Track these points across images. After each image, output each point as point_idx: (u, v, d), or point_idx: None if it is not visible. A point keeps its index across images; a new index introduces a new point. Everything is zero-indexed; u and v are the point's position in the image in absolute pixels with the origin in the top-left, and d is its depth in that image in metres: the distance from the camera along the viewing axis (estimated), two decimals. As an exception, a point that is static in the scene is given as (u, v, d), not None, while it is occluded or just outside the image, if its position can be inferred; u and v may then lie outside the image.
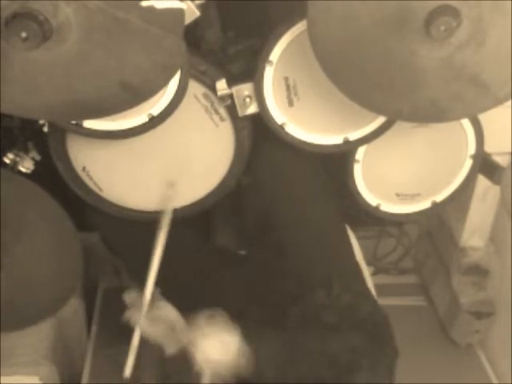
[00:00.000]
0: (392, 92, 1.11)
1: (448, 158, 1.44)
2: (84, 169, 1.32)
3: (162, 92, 1.18)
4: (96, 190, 1.35)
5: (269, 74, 1.24)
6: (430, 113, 1.14)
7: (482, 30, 1.01)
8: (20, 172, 1.28)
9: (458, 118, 1.31)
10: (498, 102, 1.10)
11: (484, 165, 1.45)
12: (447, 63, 1.04)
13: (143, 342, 1.20)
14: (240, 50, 1.30)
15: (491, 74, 1.06)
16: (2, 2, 0.90)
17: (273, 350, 1.14)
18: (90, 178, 1.33)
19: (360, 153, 1.38)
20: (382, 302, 1.36)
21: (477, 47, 1.02)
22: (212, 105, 1.27)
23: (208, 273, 1.40)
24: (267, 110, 1.27)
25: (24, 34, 0.90)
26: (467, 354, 1.81)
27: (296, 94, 1.27)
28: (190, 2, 1.04)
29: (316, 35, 1.05)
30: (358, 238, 1.52)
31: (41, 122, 1.24)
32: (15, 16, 0.90)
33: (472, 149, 1.43)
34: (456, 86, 1.08)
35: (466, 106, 1.12)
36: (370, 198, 1.44)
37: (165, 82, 1.12)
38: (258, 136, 1.33)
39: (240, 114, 1.28)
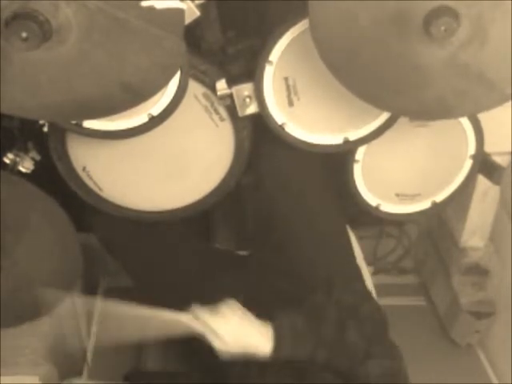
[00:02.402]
0: (398, 90, 1.11)
1: (448, 157, 1.44)
2: (84, 169, 1.32)
3: (161, 92, 1.18)
4: (96, 190, 1.35)
5: (269, 73, 1.24)
6: (437, 110, 1.14)
7: (483, 29, 1.01)
8: (20, 172, 1.28)
9: (464, 114, 1.32)
10: (506, 98, 1.10)
11: (484, 165, 1.45)
12: (451, 62, 1.04)
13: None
14: (240, 50, 1.30)
15: (496, 71, 1.06)
16: (2, 2, 0.90)
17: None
18: (90, 178, 1.33)
19: (360, 153, 1.38)
20: (382, 302, 1.36)
21: (479, 45, 1.02)
22: (212, 105, 1.27)
23: (208, 274, 1.40)
24: (267, 109, 1.27)
25: (24, 34, 0.90)
26: (467, 353, 1.81)
27: (296, 94, 1.27)
28: (190, 2, 1.05)
29: (319, 37, 1.05)
30: (358, 238, 1.53)
31: (41, 122, 1.24)
32: (15, 16, 0.90)
33: (472, 149, 1.43)
34: (462, 84, 1.08)
35: (473, 103, 1.12)
36: (370, 198, 1.44)
37: (165, 82, 1.12)
38: (258, 136, 1.33)
39: (240, 114, 1.28)
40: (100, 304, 1.24)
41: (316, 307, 1.21)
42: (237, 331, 1.12)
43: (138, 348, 1.59)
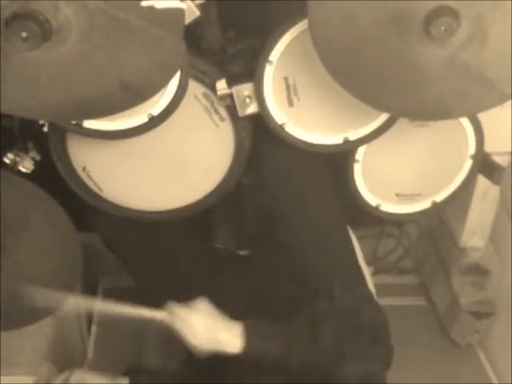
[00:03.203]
0: (397, 91, 1.11)
1: (448, 157, 1.44)
2: (84, 169, 1.32)
3: (161, 92, 1.18)
4: (96, 190, 1.35)
5: (269, 73, 1.24)
6: (437, 110, 1.14)
7: (483, 29, 1.01)
8: (20, 172, 1.28)
9: (464, 114, 1.32)
10: (506, 98, 1.10)
11: (484, 165, 1.45)
12: (451, 62, 1.04)
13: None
14: (240, 50, 1.30)
15: (496, 71, 1.06)
16: (2, 2, 0.90)
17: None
18: (90, 178, 1.33)
19: (360, 153, 1.38)
20: (382, 302, 1.36)
21: (479, 45, 1.02)
22: (212, 105, 1.27)
23: (208, 274, 1.40)
24: (267, 109, 1.27)
25: (24, 34, 0.90)
26: (467, 353, 1.81)
27: (296, 94, 1.27)
28: (190, 2, 1.05)
29: (318, 37, 1.05)
30: (358, 238, 1.52)
31: (41, 121, 1.24)
32: (15, 16, 0.90)
33: (472, 149, 1.43)
34: (461, 84, 1.08)
35: (473, 103, 1.12)
36: (370, 198, 1.44)
37: (165, 82, 1.12)
38: (259, 136, 1.33)
39: (240, 113, 1.28)
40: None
41: (316, 310, 1.21)
42: (209, 326, 1.15)
43: (138, 348, 1.60)
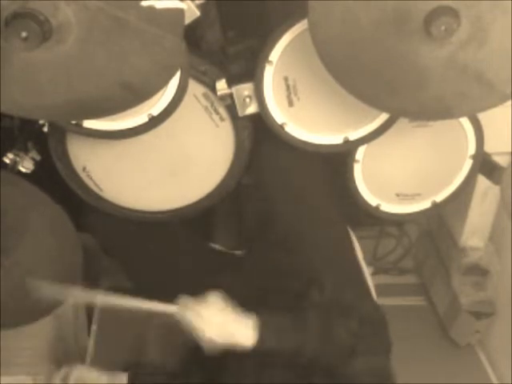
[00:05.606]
0: (397, 90, 1.11)
1: (448, 157, 1.44)
2: (84, 169, 1.32)
3: (161, 92, 1.18)
4: (96, 190, 1.35)
5: (269, 73, 1.24)
6: (437, 110, 1.15)
7: (483, 29, 1.01)
8: (20, 172, 1.28)
9: (464, 115, 1.32)
10: (506, 98, 1.10)
11: (484, 165, 1.45)
12: (451, 62, 1.04)
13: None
14: (240, 50, 1.30)
15: (496, 71, 1.06)
16: (2, 2, 0.90)
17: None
18: (90, 178, 1.33)
19: (360, 153, 1.38)
20: (382, 301, 1.36)
21: (479, 46, 1.02)
22: (212, 105, 1.27)
23: (207, 274, 1.40)
24: (267, 109, 1.27)
25: (24, 34, 0.90)
26: (467, 353, 1.81)
27: (296, 94, 1.27)
28: (190, 2, 1.05)
29: (318, 37, 1.05)
30: (358, 238, 1.53)
31: (41, 121, 1.24)
32: (15, 16, 0.90)
33: (472, 149, 1.43)
34: (461, 84, 1.08)
35: (473, 104, 1.12)
36: (370, 197, 1.44)
37: (165, 82, 1.12)
38: (259, 136, 1.33)
39: (240, 113, 1.28)
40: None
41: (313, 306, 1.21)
42: (222, 320, 1.13)
43: (138, 348, 1.60)
